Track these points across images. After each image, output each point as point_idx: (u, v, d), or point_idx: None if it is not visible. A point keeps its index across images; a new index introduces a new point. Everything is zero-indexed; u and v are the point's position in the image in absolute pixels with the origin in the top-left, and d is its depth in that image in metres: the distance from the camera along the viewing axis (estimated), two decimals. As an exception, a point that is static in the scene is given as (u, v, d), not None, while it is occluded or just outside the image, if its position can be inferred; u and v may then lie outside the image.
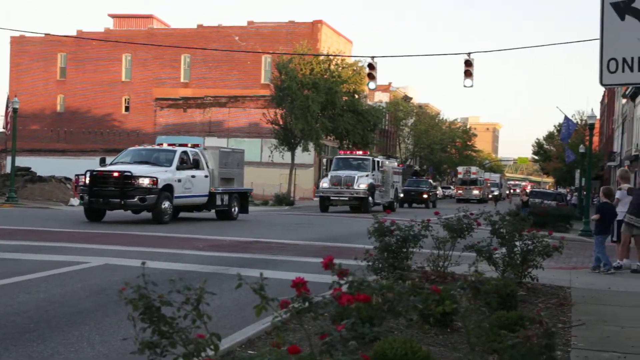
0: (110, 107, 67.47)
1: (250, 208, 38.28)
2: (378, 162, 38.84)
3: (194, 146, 23.44)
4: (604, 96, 79.41)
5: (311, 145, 48.83)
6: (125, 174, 20.08)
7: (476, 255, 9.18)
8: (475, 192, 73.10)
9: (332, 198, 36.05)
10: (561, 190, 76.46)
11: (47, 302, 7.81)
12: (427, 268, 9.63)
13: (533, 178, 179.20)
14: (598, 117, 68.68)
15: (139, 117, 66.19)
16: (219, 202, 23.68)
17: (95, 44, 63.07)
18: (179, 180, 21.32)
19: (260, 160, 60.21)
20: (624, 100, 53.82)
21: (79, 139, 66.07)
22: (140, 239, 15.69)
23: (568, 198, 53.49)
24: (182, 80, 65.63)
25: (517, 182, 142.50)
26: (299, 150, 48.68)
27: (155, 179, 20.12)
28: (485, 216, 10.02)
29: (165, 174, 20.77)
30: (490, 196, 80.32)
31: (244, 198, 25.96)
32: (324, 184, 36.91)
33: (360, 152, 40.89)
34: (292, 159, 48.55)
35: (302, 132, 46.24)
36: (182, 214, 23.82)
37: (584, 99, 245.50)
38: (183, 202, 22.08)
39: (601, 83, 5.18)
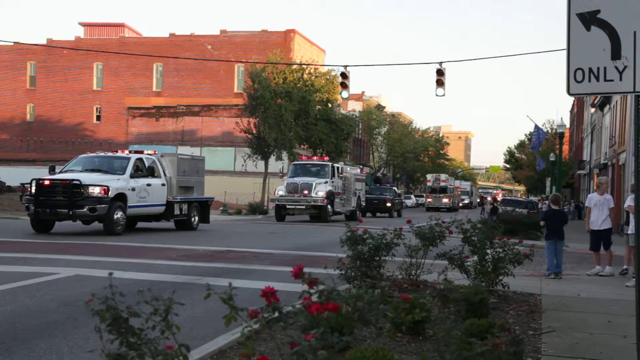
0: (82, 117, 66.78)
1: (224, 217, 38.22)
2: (338, 168, 36.80)
3: (150, 153, 22.63)
4: (573, 105, 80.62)
5: (285, 154, 48.82)
6: (74, 182, 19.04)
7: (448, 263, 9.23)
8: (445, 200, 71.49)
9: (288, 207, 34.04)
10: (532, 198, 77.21)
11: (14, 315, 7.67)
12: (400, 276, 9.66)
13: (505, 186, 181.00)
14: (568, 126, 69.76)
15: (111, 127, 65.62)
16: (177, 212, 22.79)
17: (65, 53, 62.51)
18: (133, 189, 20.40)
19: (233, 170, 60.09)
20: (592, 110, 54.67)
21: (49, 148, 65.26)
22: (111, 249, 15.51)
23: (539, 206, 54.06)
24: (154, 89, 65.24)
25: (488, 190, 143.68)
26: (272, 159, 48.65)
27: (106, 187, 19.17)
28: (457, 224, 10.09)
29: (117, 183, 19.81)
30: (460, 204, 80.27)
31: (204, 207, 25.03)
32: (280, 191, 34.71)
33: (323, 158, 39.01)
34: (266, 168, 48.50)
35: (275, 141, 46.21)
36: (140, 224, 23.06)
37: (554, 108, 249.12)
38: (138, 211, 21.14)
39: (568, 92, 5.26)
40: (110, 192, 19.20)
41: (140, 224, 23.13)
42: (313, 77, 49.95)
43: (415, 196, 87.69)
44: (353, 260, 8.91)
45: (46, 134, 66.26)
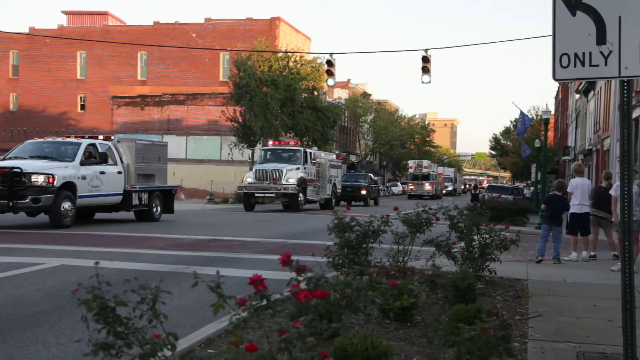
0: (66, 106, 66.22)
1: (211, 206, 38.01)
2: (310, 153, 34.89)
3: (106, 139, 21.28)
4: (558, 92, 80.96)
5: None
6: (14, 170, 17.24)
7: (435, 250, 9.26)
8: (428, 187, 68.80)
9: (257, 195, 32.04)
10: (518, 184, 77.54)
11: (0, 305, 7.62)
12: (387, 263, 9.69)
13: (491, 173, 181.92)
14: (553, 112, 70.05)
15: (95, 116, 65.13)
16: (136, 202, 21.19)
17: (48, 41, 61.85)
18: (84, 177, 18.79)
19: (219, 158, 59.90)
20: (577, 96, 54.95)
21: (33, 138, 64.59)
22: (97, 239, 15.45)
23: (525, 192, 54.38)
24: (139, 78, 64.79)
25: (472, 177, 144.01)
26: (258, 147, 48.53)
27: (51, 176, 17.48)
28: (444, 211, 10.13)
29: (65, 170, 18.18)
30: (444, 191, 79.07)
31: (168, 196, 23.36)
32: (248, 178, 32.79)
33: (292, 143, 37.42)
34: (252, 156, 48.41)
35: (261, 129, 46.12)
36: (98, 215, 21.75)
37: (539, 94, 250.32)
38: (89, 202, 19.50)
39: (554, 78, 5.26)
40: (56, 181, 17.57)
41: (99, 215, 21.85)
42: (299, 65, 49.81)
43: (402, 183, 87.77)
44: (340, 247, 8.91)
45: (30, 123, 65.62)
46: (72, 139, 20.36)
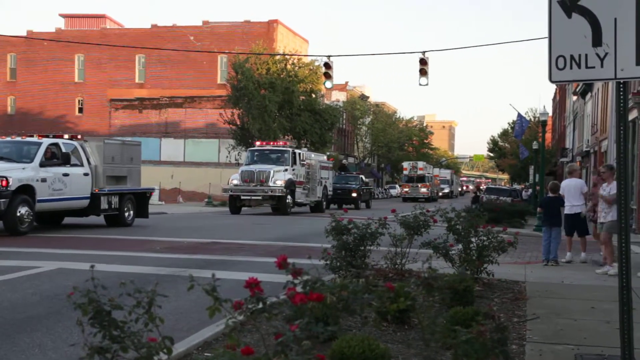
0: (64, 109, 66.14)
1: (209, 209, 37.93)
2: (300, 154, 33.79)
3: (72, 138, 19.80)
4: (555, 93, 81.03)
5: (269, 146, 48.69)
6: None
7: (432, 252, 9.26)
8: (423, 189, 67.29)
9: (243, 197, 31.08)
10: (516, 186, 77.48)
11: (-3, 309, 7.60)
12: (385, 265, 9.68)
13: (489, 175, 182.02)
14: (550, 114, 70.12)
15: (93, 119, 65.06)
16: (105, 205, 19.76)
17: (46, 44, 61.82)
18: (44, 180, 17.40)
19: (218, 161, 59.88)
20: (574, 98, 55.01)
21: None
22: (94, 242, 15.43)
23: (523, 194, 54.36)
24: (137, 80, 64.72)
25: (469, 179, 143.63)
26: (255, 149, 48.51)
27: (4, 178, 16.12)
28: (442, 213, 10.13)
29: (22, 173, 16.82)
30: (440, 193, 77.99)
31: (141, 199, 21.88)
32: (234, 180, 31.57)
33: (281, 143, 36.09)
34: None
35: (259, 132, 46.08)
36: (68, 220, 20.64)
37: (537, 96, 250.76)
38: (51, 206, 18.12)
39: (550, 80, 5.27)
40: (10, 184, 16.22)
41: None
42: (297, 67, 49.82)
43: (400, 185, 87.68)
44: (338, 250, 8.91)
45: (28, 127, 65.37)
46: (34, 139, 18.87)
